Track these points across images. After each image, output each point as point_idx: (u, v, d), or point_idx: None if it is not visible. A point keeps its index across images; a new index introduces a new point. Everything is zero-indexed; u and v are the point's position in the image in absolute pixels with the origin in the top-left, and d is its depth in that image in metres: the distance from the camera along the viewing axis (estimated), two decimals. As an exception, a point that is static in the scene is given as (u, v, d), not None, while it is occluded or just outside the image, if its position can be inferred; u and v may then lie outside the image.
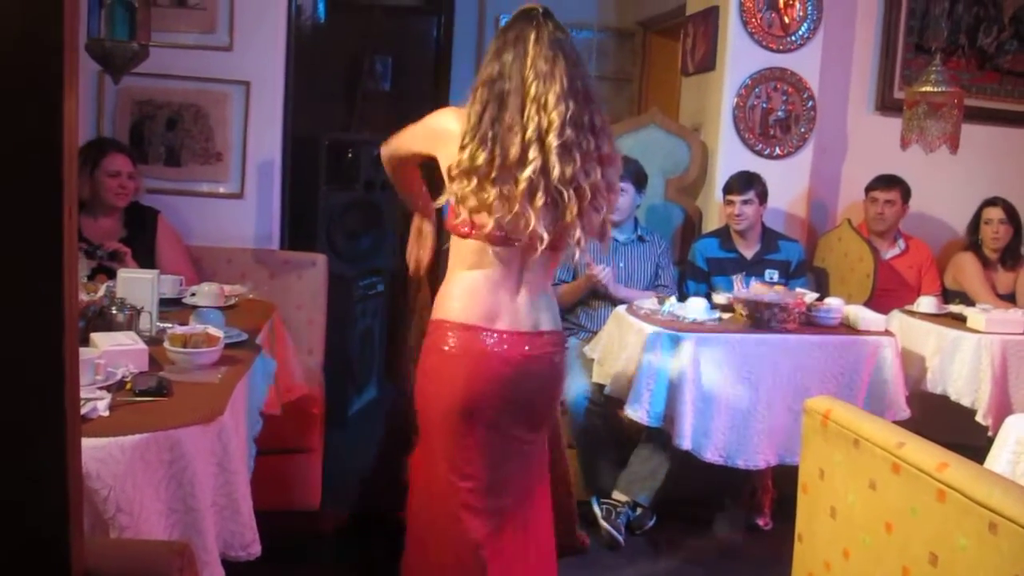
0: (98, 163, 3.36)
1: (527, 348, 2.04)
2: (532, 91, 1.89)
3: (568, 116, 1.88)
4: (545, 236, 1.91)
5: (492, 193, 1.89)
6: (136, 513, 1.55)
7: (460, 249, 2.04)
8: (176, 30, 3.75)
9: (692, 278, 4.06)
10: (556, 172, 1.88)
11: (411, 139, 2.15)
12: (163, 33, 3.60)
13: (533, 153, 1.86)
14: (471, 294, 2.01)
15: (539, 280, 2.09)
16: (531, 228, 1.90)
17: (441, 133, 2.02)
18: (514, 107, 1.89)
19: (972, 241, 4.44)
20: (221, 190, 3.88)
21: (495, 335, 2.00)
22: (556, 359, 2.13)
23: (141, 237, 3.43)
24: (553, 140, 1.87)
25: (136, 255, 3.27)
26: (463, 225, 1.99)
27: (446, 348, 2.01)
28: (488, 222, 1.94)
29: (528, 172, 1.87)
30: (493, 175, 1.88)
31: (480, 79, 1.97)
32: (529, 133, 1.87)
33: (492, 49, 1.98)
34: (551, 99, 1.88)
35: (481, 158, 1.88)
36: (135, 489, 1.55)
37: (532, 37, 1.93)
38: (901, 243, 4.50)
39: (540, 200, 1.89)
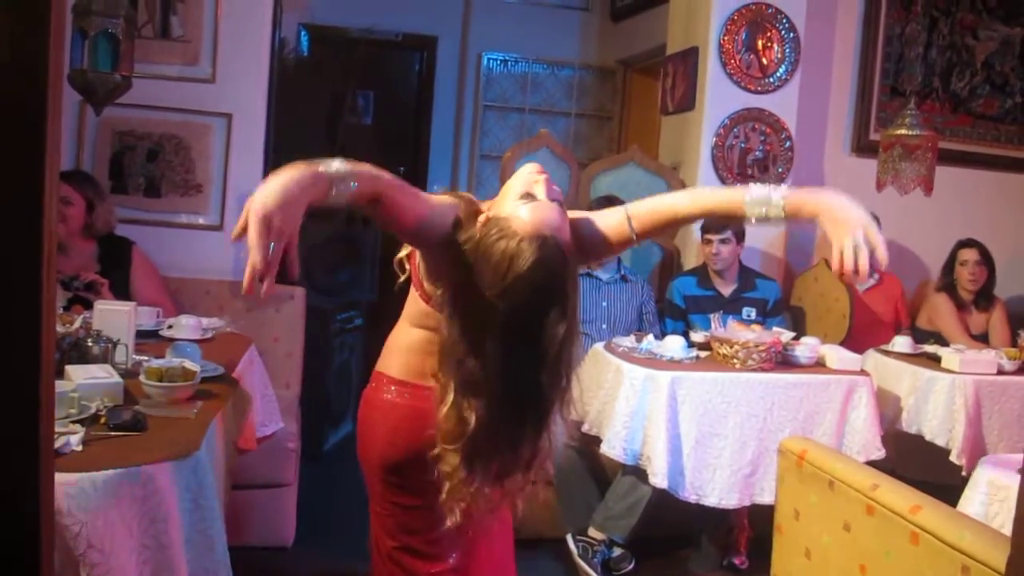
0: None
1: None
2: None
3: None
4: None
5: None
6: (107, 550, 1.53)
7: (414, 303, 1.86)
8: (159, 61, 3.76)
9: (670, 316, 4.08)
10: None
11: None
12: (146, 64, 3.61)
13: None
14: (413, 352, 1.86)
15: None
16: None
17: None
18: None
19: (947, 282, 4.49)
20: (200, 221, 3.87)
21: (430, 392, 1.76)
22: None
23: (116, 269, 3.40)
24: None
25: (111, 286, 3.25)
26: (423, 292, 1.81)
27: (386, 397, 1.88)
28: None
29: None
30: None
31: (459, 312, 1.64)
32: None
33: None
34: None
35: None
36: (107, 526, 1.53)
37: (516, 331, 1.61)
38: (875, 275, 4.55)
39: None
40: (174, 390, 2.07)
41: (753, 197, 1.65)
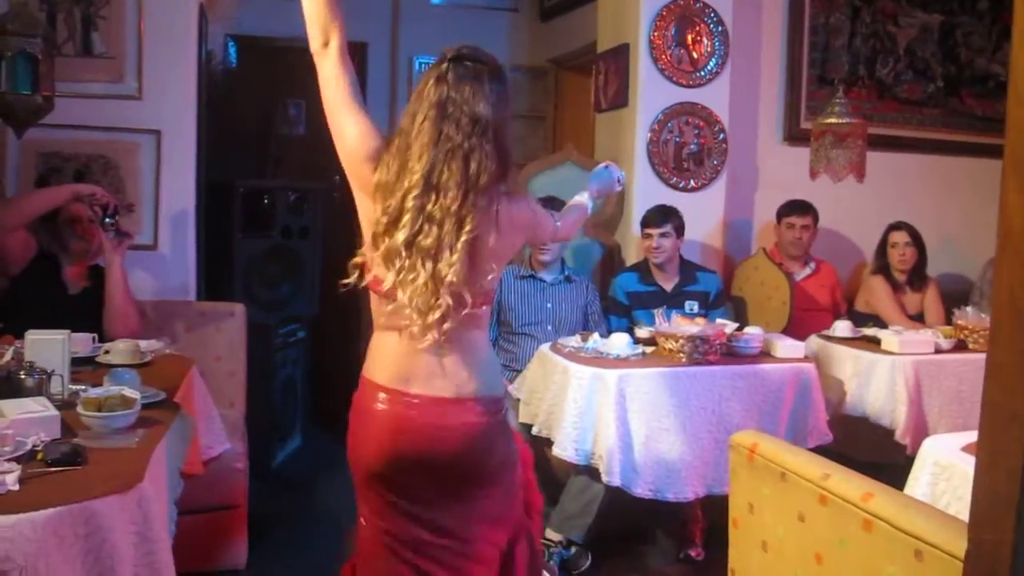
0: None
1: (441, 417, 1.87)
2: (413, 149, 1.80)
3: (426, 173, 1.78)
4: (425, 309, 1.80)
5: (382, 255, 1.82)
6: (51, 593, 1.48)
7: (377, 305, 1.94)
8: (82, 79, 3.66)
9: (614, 313, 4.09)
10: (418, 236, 1.78)
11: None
12: (69, 83, 3.51)
13: (405, 218, 1.77)
14: (387, 355, 1.91)
15: (468, 338, 1.90)
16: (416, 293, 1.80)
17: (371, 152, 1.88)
18: (400, 164, 1.81)
19: (881, 264, 4.59)
20: (134, 242, 3.77)
21: (409, 399, 1.88)
22: (479, 430, 1.90)
23: (100, 280, 3.32)
24: (410, 203, 1.77)
25: (95, 302, 3.24)
26: (374, 281, 1.88)
27: (371, 406, 1.92)
28: (387, 279, 1.82)
29: (400, 237, 1.78)
30: (384, 236, 1.81)
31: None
32: (401, 194, 1.79)
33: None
34: (414, 159, 1.79)
35: (383, 221, 1.80)
36: (49, 568, 1.48)
37: (429, 88, 1.84)
38: (812, 264, 4.64)
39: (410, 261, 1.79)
40: (114, 419, 2.02)
41: None
